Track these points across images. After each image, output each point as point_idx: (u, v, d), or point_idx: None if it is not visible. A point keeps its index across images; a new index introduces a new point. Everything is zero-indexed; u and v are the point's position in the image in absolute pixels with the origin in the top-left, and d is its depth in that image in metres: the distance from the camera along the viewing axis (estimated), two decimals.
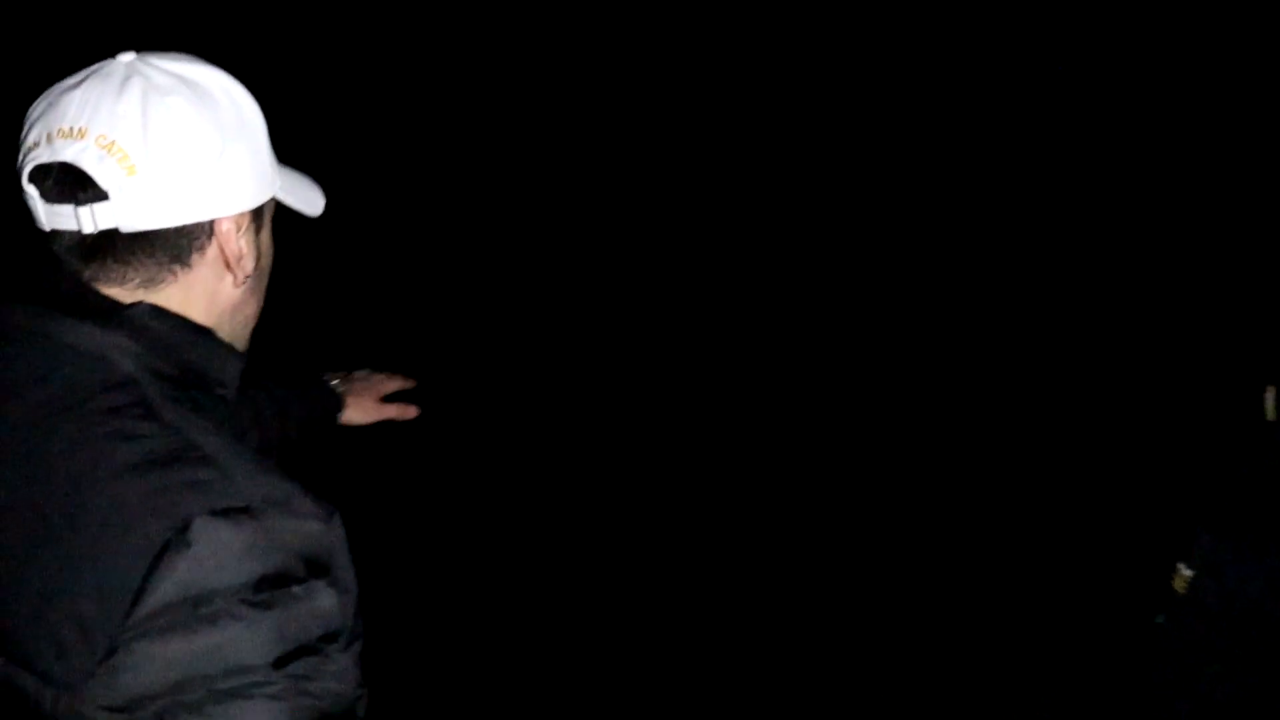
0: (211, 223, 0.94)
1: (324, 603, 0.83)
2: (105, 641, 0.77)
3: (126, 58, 0.93)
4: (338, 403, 1.62)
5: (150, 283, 0.94)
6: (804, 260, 5.59)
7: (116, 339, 0.90)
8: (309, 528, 0.84)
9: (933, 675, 3.34)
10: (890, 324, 5.30)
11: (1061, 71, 5.52)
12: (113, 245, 0.92)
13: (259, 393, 1.43)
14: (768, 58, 5.76)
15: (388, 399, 1.70)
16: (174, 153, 0.90)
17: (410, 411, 1.68)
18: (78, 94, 0.91)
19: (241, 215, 0.96)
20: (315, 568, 0.83)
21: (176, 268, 0.94)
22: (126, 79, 0.91)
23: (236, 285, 0.98)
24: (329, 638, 0.83)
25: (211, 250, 0.95)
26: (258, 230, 1.00)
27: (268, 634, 0.79)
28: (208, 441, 0.86)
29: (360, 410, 1.64)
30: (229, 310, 0.99)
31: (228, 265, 0.96)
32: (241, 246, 0.97)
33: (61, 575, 0.79)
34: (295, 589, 0.81)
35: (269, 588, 0.79)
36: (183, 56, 0.96)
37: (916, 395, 4.92)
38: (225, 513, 0.80)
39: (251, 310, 1.02)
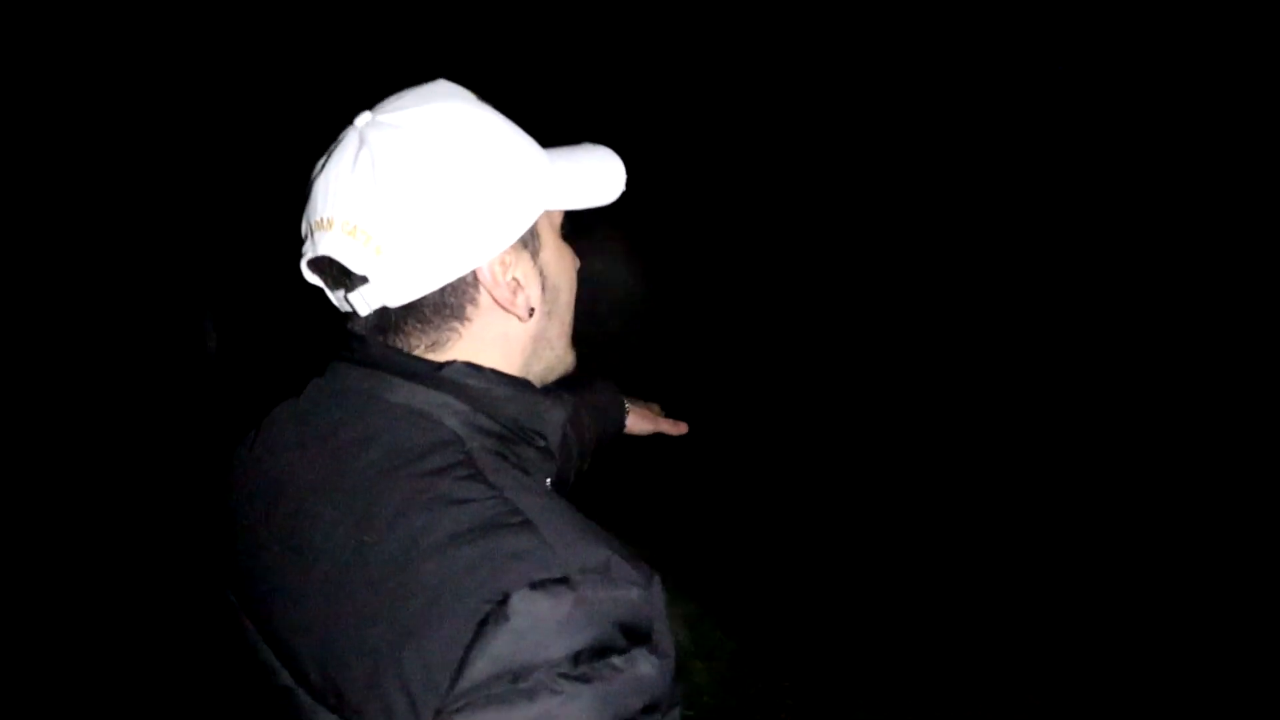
0: (474, 273, 0.91)
1: (645, 671, 0.80)
2: (429, 713, 0.77)
3: (360, 121, 0.91)
4: (624, 411, 1.56)
5: (436, 345, 0.93)
6: (804, 260, 5.60)
7: (441, 397, 0.90)
8: (628, 595, 0.81)
9: (933, 675, 3.35)
10: (890, 324, 5.31)
11: (1061, 71, 5.53)
12: (392, 319, 0.92)
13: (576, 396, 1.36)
14: (768, 58, 5.76)
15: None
16: (412, 219, 0.88)
17: (683, 426, 1.59)
18: (320, 180, 0.91)
19: (506, 251, 0.92)
20: (635, 636, 0.81)
21: (456, 324, 0.93)
22: (357, 153, 0.89)
23: (524, 321, 0.94)
24: (650, 708, 0.81)
25: (484, 299, 0.92)
26: (535, 254, 0.95)
27: (588, 707, 0.77)
28: (530, 504, 0.84)
29: (639, 420, 1.57)
30: (530, 343, 0.96)
31: (505, 307, 0.93)
32: (516, 281, 0.93)
33: (391, 644, 0.80)
34: (615, 660, 0.79)
35: (588, 660, 0.78)
36: (413, 95, 0.93)
37: (917, 395, 4.93)
38: (543, 585, 0.78)
39: (556, 332, 0.98)
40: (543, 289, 0.95)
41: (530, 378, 0.97)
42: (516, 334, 0.94)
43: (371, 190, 0.87)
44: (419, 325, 0.91)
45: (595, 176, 0.98)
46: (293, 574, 0.88)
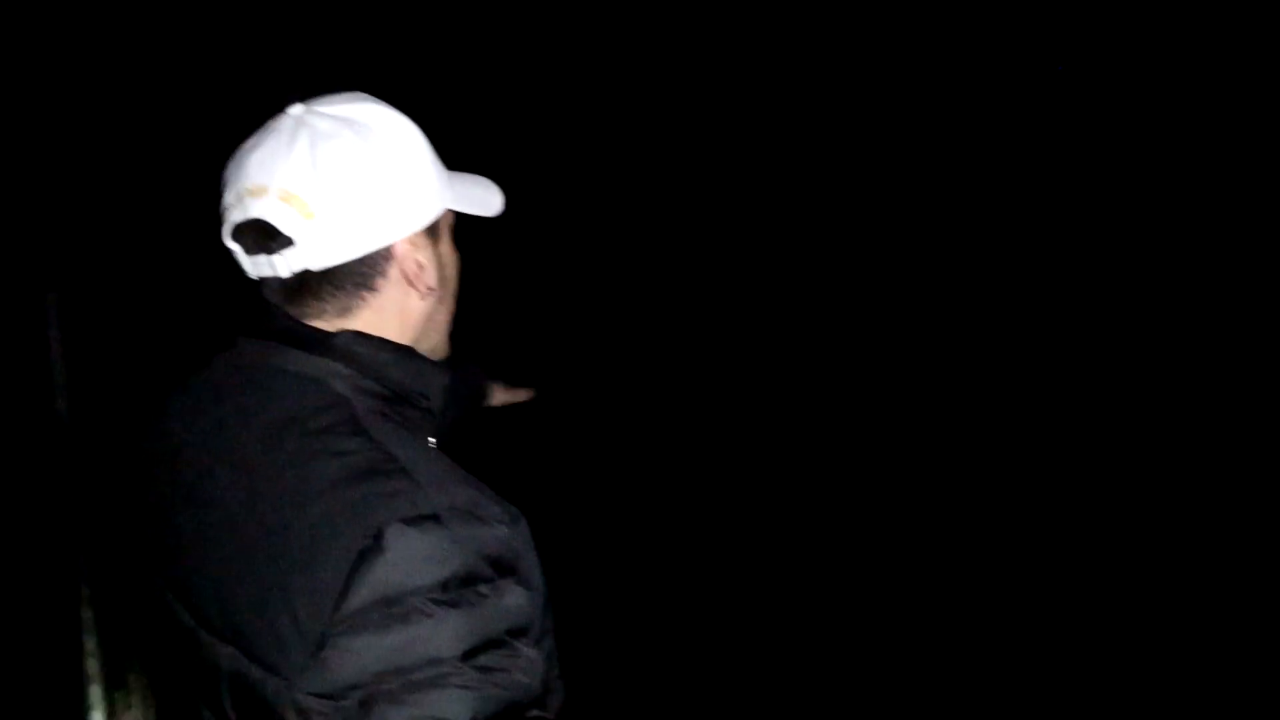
0: (389, 248, 1.02)
1: (510, 599, 0.90)
2: (315, 637, 0.87)
3: (295, 110, 1.03)
4: (487, 384, 1.77)
5: (345, 311, 1.02)
6: (804, 261, 5.61)
7: (329, 365, 1.01)
8: (495, 532, 0.91)
9: (932, 675, 3.38)
10: (890, 324, 5.33)
11: (1061, 71, 5.55)
12: (308, 284, 1.01)
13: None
14: (768, 58, 5.77)
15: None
16: (344, 191, 0.99)
17: (529, 393, 1.84)
18: (255, 154, 1.02)
19: (416, 235, 1.04)
20: (501, 568, 0.90)
21: (365, 293, 1.03)
22: (295, 131, 1.02)
23: (422, 299, 1.05)
24: (517, 633, 0.90)
25: (393, 272, 1.03)
26: (435, 243, 1.07)
27: (456, 629, 0.87)
28: (406, 453, 0.94)
29: (498, 393, 1.79)
30: (421, 322, 1.07)
31: (410, 283, 1.04)
32: (420, 262, 1.04)
33: (281, 578, 0.90)
34: (482, 588, 0.88)
35: (456, 588, 0.87)
36: (344, 97, 1.07)
37: (916, 395, 4.96)
38: (415, 520, 0.88)
39: (443, 317, 1.10)
40: (439, 275, 1.07)
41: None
42: (413, 310, 1.05)
43: (308, 163, 0.99)
44: (332, 290, 1.01)
45: (479, 192, 1.14)
46: (192, 526, 0.99)
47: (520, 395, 1.83)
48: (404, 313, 1.05)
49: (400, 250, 1.02)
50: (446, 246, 1.10)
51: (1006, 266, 5.44)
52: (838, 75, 5.76)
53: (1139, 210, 5.36)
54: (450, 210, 1.10)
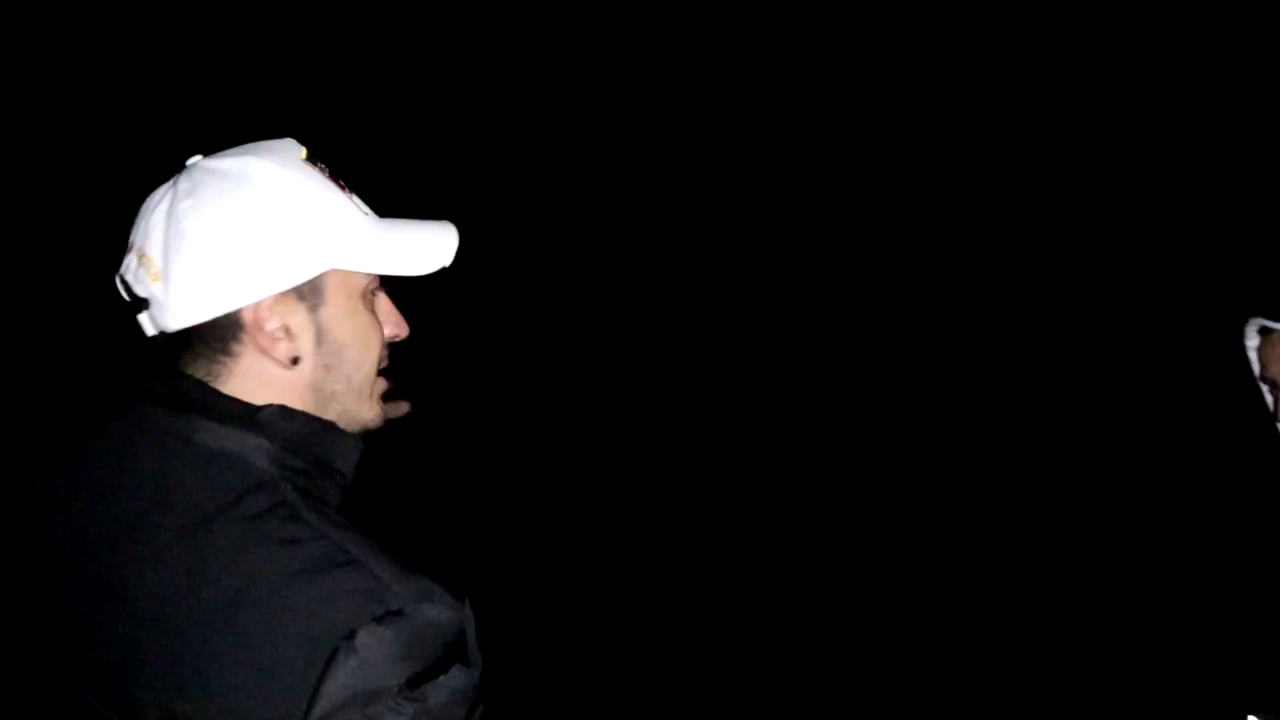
0: (237, 312, 0.98)
1: (462, 682, 0.91)
2: None
3: (190, 162, 1.00)
4: None
5: (210, 374, 0.99)
6: (804, 261, 5.60)
7: (253, 439, 0.96)
8: (448, 618, 0.91)
9: (932, 675, 3.36)
10: (890, 324, 5.31)
11: (1061, 71, 5.52)
12: (172, 345, 0.99)
13: None
14: (768, 58, 5.76)
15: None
16: (191, 253, 0.96)
17: (404, 407, 1.75)
18: (143, 210, 1.01)
19: (277, 298, 0.98)
20: (455, 652, 0.91)
21: (223, 358, 0.99)
22: (171, 188, 0.99)
23: (283, 367, 0.99)
24: (469, 714, 0.92)
25: (247, 338, 0.98)
26: (314, 308, 1.00)
27: None
28: (351, 542, 0.92)
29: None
30: (307, 391, 1.01)
31: (262, 350, 0.99)
32: (287, 329, 0.99)
33: (241, 678, 0.87)
34: (441, 677, 0.89)
35: (421, 682, 0.88)
36: (245, 149, 1.01)
37: (915, 396, 4.94)
38: (383, 619, 0.87)
39: (341, 387, 1.03)
40: (318, 342, 1.01)
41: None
42: (282, 378, 1.00)
43: (163, 223, 0.97)
44: (192, 353, 0.99)
45: (415, 250, 1.05)
46: (109, 615, 0.93)
47: (396, 410, 1.79)
48: (270, 380, 0.99)
49: (248, 316, 0.97)
50: (338, 310, 1.01)
51: (1006, 267, 5.42)
52: (837, 75, 5.75)
53: (1138, 210, 5.34)
54: (367, 272, 1.03)
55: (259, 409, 0.98)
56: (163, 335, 0.99)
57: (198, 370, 0.99)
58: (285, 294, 0.98)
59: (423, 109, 5.58)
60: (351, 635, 0.85)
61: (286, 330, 0.99)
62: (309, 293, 1.00)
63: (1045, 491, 4.24)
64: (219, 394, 0.98)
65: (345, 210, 1.02)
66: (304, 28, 5.03)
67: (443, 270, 1.06)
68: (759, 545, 4.10)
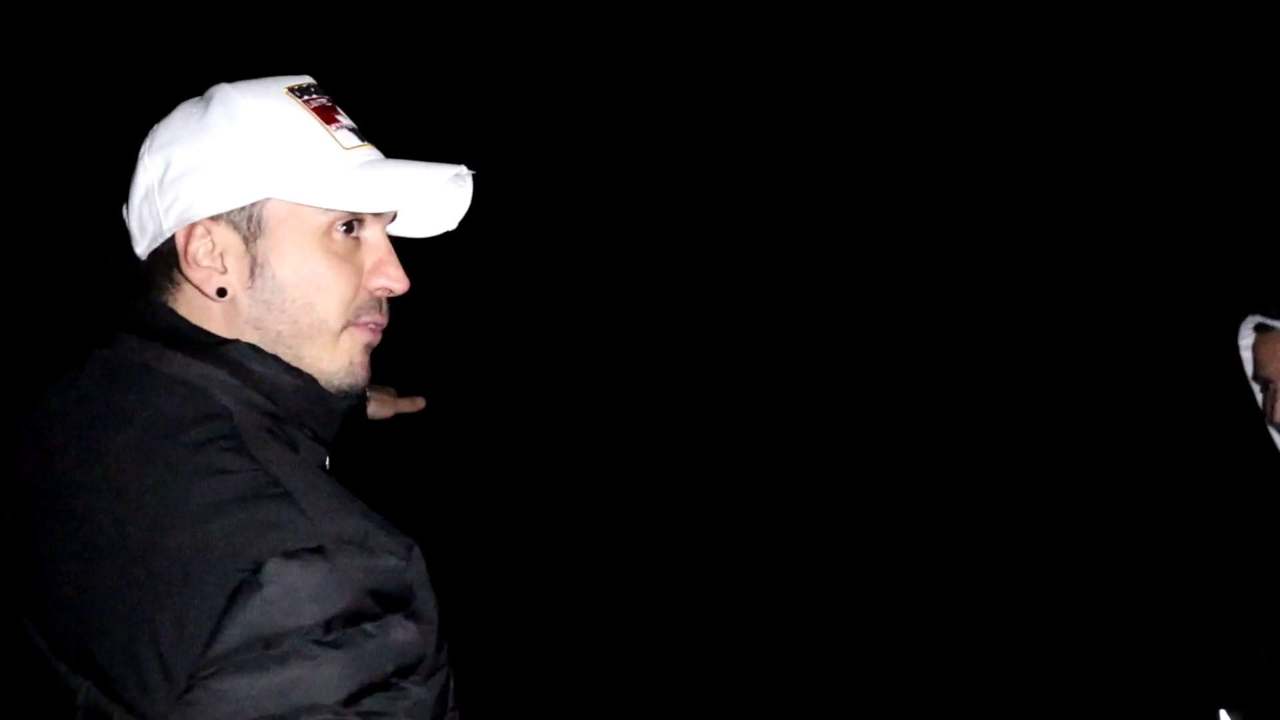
0: (171, 237, 0.96)
1: (398, 636, 0.84)
2: (183, 678, 0.79)
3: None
4: (364, 402, 1.66)
5: (175, 302, 0.98)
6: (804, 262, 5.59)
7: (216, 372, 0.93)
8: (384, 564, 0.84)
9: (932, 675, 3.35)
10: (890, 324, 5.31)
11: (1061, 71, 5.52)
12: (147, 270, 0.99)
13: None
14: (768, 58, 5.76)
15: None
16: (138, 178, 0.97)
17: (420, 403, 1.69)
18: None
19: (212, 225, 0.95)
20: (390, 603, 0.84)
21: (170, 286, 0.98)
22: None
23: (208, 297, 0.95)
24: (404, 671, 0.84)
25: (181, 264, 0.96)
26: (250, 239, 0.95)
27: (337, 672, 0.80)
28: (292, 478, 0.87)
29: (378, 406, 1.66)
30: (246, 327, 0.96)
31: (184, 273, 0.96)
32: (205, 258, 0.95)
33: (147, 610, 0.82)
34: (368, 626, 0.82)
35: (340, 627, 0.81)
36: (258, 80, 1.00)
37: (915, 397, 4.93)
38: (297, 554, 0.81)
39: (286, 329, 0.96)
40: (252, 276, 0.95)
41: (307, 369, 0.97)
42: (219, 311, 0.96)
43: (144, 149, 0.98)
44: (157, 280, 0.97)
45: (388, 189, 0.97)
46: (52, 543, 0.90)
47: (412, 405, 1.69)
48: (210, 314, 0.95)
49: (180, 241, 0.95)
50: (285, 246, 0.96)
51: (1006, 267, 5.42)
52: (836, 75, 5.74)
53: (1139, 210, 5.33)
54: (342, 209, 0.97)
55: (227, 342, 0.94)
56: (142, 262, 0.99)
57: (167, 298, 0.97)
58: (219, 221, 0.95)
59: (423, 108, 5.58)
60: (258, 569, 0.80)
61: (221, 259, 0.95)
62: (246, 222, 0.95)
63: (1031, 490, 4.24)
64: (186, 323, 0.95)
65: (311, 141, 0.96)
66: (303, 26, 5.03)
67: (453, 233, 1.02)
68: (758, 545, 4.10)
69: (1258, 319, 1.60)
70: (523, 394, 4.85)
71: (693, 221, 5.69)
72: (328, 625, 0.80)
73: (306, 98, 0.98)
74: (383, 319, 1.02)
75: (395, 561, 0.85)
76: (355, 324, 0.99)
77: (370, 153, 1.00)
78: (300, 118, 0.97)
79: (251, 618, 0.79)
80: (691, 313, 5.36)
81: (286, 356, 0.96)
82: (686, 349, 5.18)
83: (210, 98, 0.97)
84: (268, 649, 0.79)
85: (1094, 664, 3.34)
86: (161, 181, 0.94)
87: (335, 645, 0.80)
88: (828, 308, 5.41)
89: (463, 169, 1.03)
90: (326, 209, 0.96)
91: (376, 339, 1.02)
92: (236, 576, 0.80)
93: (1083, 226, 5.43)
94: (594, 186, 5.71)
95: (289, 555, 0.81)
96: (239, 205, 0.94)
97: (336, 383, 0.99)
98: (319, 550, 0.82)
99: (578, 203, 5.67)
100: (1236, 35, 4.96)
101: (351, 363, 0.99)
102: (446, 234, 1.13)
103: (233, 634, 0.79)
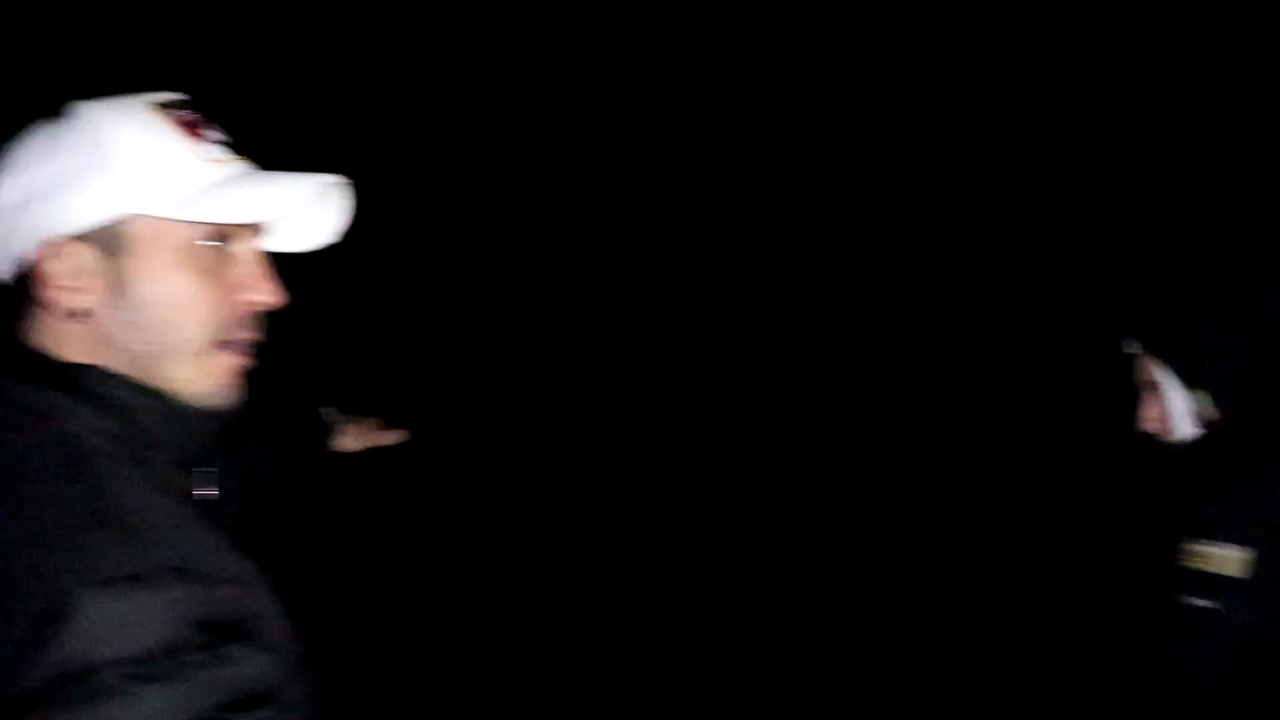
0: (25, 259, 0.94)
1: (234, 670, 0.79)
2: None
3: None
4: (327, 430, 1.63)
5: (30, 327, 0.95)
6: (803, 261, 5.59)
7: (63, 400, 0.90)
8: (215, 593, 0.80)
9: (932, 675, 3.36)
10: (889, 325, 5.31)
11: (1061, 71, 5.52)
12: (10, 295, 0.95)
13: (244, 431, 1.37)
14: (768, 58, 5.75)
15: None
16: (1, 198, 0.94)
17: (400, 435, 1.68)
18: None
19: (71, 245, 0.92)
20: (224, 633, 0.79)
21: (31, 309, 0.95)
22: None
23: (58, 319, 0.92)
24: (241, 705, 0.79)
25: (40, 285, 0.93)
26: (113, 255, 0.92)
27: (154, 709, 0.75)
28: (130, 502, 0.83)
29: (352, 437, 1.65)
30: (110, 349, 0.93)
31: (48, 300, 0.93)
32: (63, 278, 0.92)
33: None
34: (194, 658, 0.77)
35: (160, 658, 0.75)
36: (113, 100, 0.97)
37: (915, 398, 4.94)
38: (110, 582, 0.76)
39: (153, 349, 0.93)
40: (115, 295, 0.93)
41: (164, 388, 0.94)
42: (81, 334, 0.93)
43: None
44: (18, 305, 0.94)
45: (256, 202, 0.96)
46: None
47: (391, 437, 1.65)
48: (72, 336, 0.92)
49: (40, 261, 0.92)
50: (151, 265, 0.93)
51: (1006, 267, 5.42)
52: (836, 75, 5.74)
53: (1138, 210, 5.33)
54: (210, 223, 0.94)
55: (70, 367, 0.91)
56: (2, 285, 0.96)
57: (27, 321, 0.94)
58: (78, 241, 0.92)
59: (422, 108, 5.59)
60: (65, 599, 0.75)
61: (82, 279, 0.92)
62: (107, 240, 0.92)
63: (1031, 490, 4.24)
64: (26, 351, 0.93)
65: (174, 156, 0.94)
66: (301, 27, 5.03)
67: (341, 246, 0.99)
68: (757, 544, 4.10)
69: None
70: (523, 395, 4.85)
71: (693, 221, 5.69)
72: (144, 658, 0.75)
73: (172, 113, 0.97)
74: (255, 334, 1.00)
75: (229, 589, 0.81)
76: (224, 342, 0.97)
77: (239, 167, 0.99)
78: (163, 132, 0.95)
79: (58, 653, 0.74)
80: (691, 313, 5.36)
81: (151, 377, 0.94)
82: (685, 350, 5.18)
83: (68, 115, 0.95)
84: (78, 685, 0.73)
85: (1093, 664, 3.34)
86: (18, 202, 0.92)
87: (153, 680, 0.75)
88: (828, 308, 5.41)
89: (334, 179, 1.01)
90: (191, 223, 0.94)
91: (248, 357, 0.99)
92: (42, 608, 0.75)
93: (1082, 227, 5.43)
94: (591, 188, 5.71)
95: (103, 584, 0.76)
96: (99, 223, 0.92)
97: (204, 403, 0.96)
98: (135, 578, 0.77)
99: (574, 206, 5.67)
100: (1236, 35, 4.96)
101: (220, 382, 0.97)
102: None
103: (38, 670, 0.74)
